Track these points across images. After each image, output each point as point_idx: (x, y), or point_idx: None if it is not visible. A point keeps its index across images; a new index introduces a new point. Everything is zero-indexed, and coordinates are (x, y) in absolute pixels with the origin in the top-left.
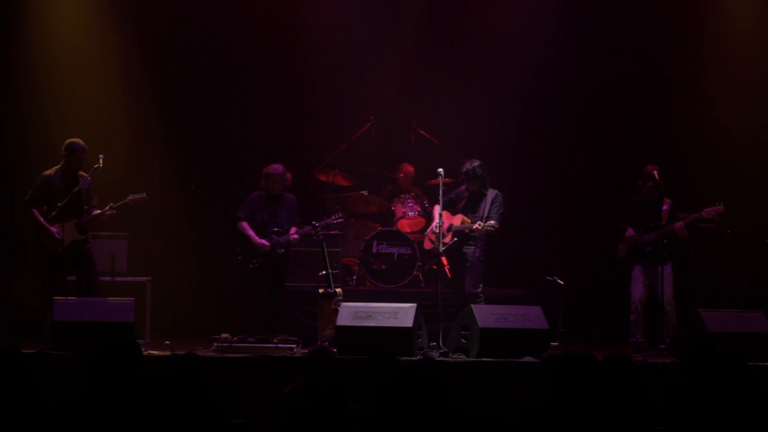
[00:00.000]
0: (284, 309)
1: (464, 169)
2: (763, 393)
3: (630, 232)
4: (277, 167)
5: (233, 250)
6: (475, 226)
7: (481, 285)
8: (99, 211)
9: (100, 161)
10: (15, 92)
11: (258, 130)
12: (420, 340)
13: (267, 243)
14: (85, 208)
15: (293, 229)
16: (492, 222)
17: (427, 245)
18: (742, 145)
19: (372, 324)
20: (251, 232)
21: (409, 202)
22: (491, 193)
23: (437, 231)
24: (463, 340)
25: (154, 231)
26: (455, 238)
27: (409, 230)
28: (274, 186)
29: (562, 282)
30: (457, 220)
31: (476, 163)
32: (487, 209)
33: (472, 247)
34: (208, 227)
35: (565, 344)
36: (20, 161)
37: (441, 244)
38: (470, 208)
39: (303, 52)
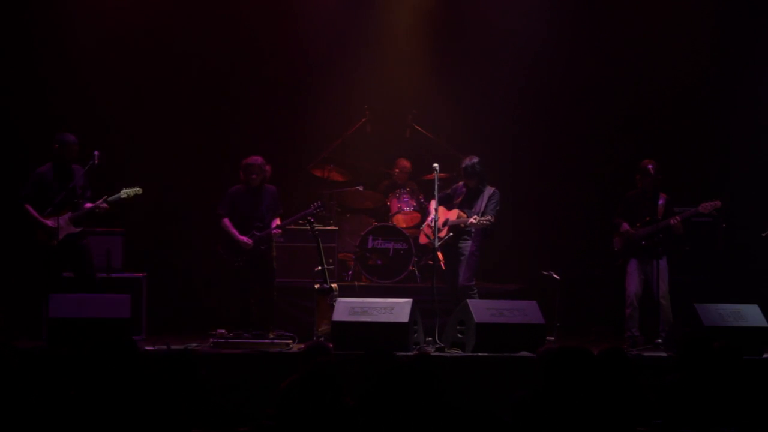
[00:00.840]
0: (280, 305)
1: (463, 166)
2: (758, 387)
3: (625, 226)
4: (256, 158)
5: (215, 250)
6: (471, 220)
7: (474, 279)
8: (92, 204)
9: (95, 158)
10: (12, 88)
11: (253, 125)
12: (416, 335)
13: (249, 241)
14: (80, 201)
15: (275, 222)
16: (488, 216)
17: (423, 240)
18: (737, 139)
19: (368, 319)
20: (234, 230)
21: (404, 198)
22: (488, 190)
23: (432, 225)
24: (459, 335)
25: (150, 227)
26: (450, 233)
27: (404, 225)
28: (252, 177)
29: (557, 276)
30: (453, 215)
31: (475, 159)
32: (483, 205)
33: (468, 241)
34: (203, 223)
35: (561, 339)
36: (15, 158)
37: (437, 239)
38: (467, 204)
39: (298, 48)
